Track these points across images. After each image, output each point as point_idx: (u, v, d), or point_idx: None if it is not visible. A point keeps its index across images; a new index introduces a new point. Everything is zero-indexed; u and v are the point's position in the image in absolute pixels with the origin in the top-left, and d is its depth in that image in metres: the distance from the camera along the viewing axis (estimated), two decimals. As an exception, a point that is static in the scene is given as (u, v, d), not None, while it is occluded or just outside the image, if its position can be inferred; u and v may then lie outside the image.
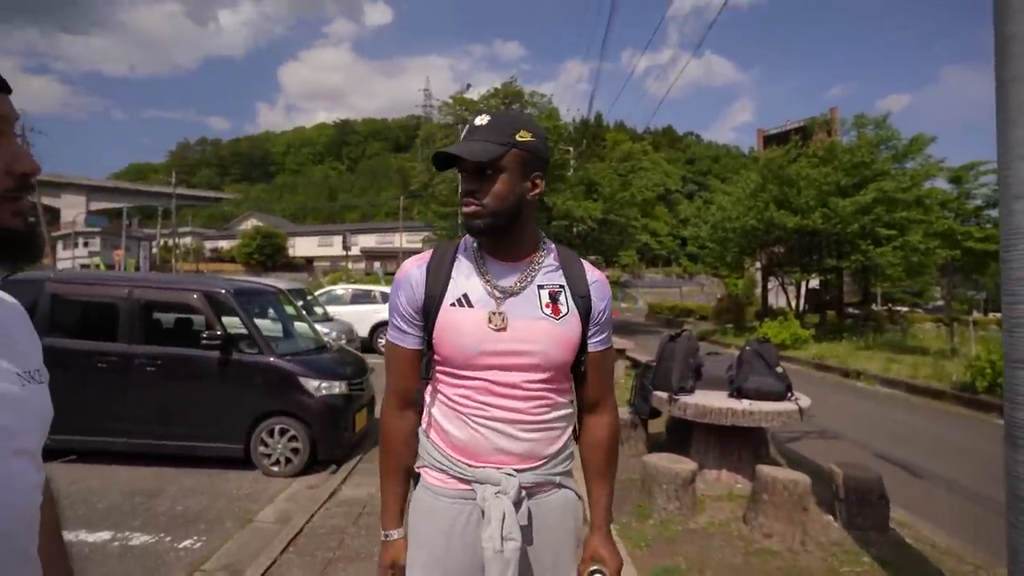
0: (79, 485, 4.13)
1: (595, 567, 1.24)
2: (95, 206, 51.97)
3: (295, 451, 4.54)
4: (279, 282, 9.99)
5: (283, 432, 4.54)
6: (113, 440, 4.46)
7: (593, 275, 1.27)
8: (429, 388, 1.26)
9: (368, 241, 56.04)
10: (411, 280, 1.22)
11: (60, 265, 41.58)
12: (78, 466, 4.46)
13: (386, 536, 1.29)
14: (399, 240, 48.37)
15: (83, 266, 39.09)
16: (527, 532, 1.16)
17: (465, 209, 1.16)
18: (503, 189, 1.13)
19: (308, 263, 55.13)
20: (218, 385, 4.55)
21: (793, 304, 19.76)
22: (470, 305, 1.18)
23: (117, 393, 4.50)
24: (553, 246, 1.29)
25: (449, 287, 1.20)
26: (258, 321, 4.97)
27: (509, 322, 1.16)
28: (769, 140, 24.88)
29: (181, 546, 3.37)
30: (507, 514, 1.12)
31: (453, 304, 1.18)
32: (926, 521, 3.85)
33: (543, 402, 1.20)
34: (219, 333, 4.49)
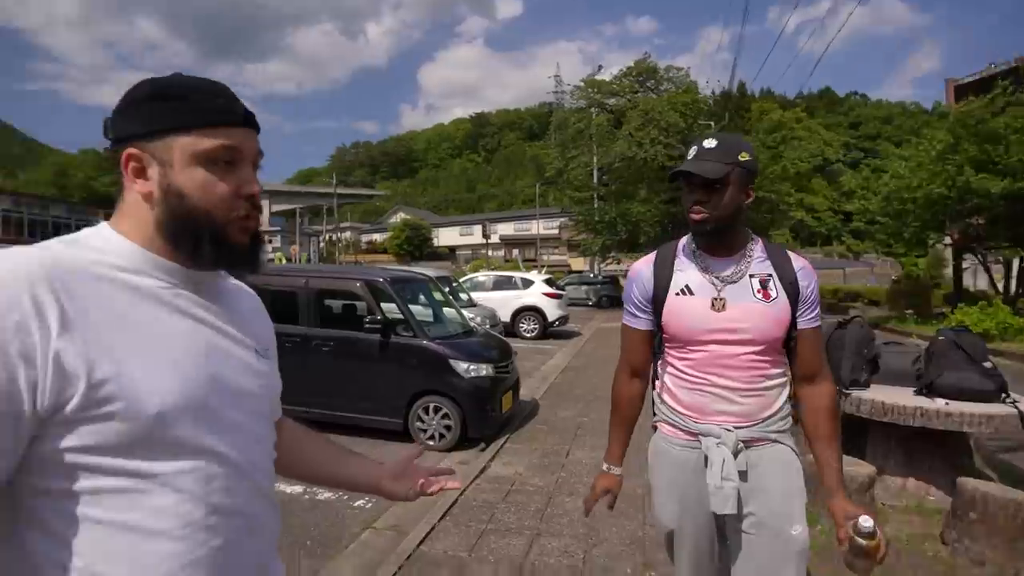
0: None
1: (858, 521, 1.27)
2: (275, 208, 60.10)
3: (447, 428, 4.84)
4: (427, 270, 10.68)
5: (437, 410, 4.86)
6: (295, 409, 5.10)
7: (799, 263, 1.50)
8: (660, 361, 1.58)
9: (506, 229, 57.86)
10: (642, 276, 1.56)
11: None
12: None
13: (608, 469, 1.67)
14: (536, 227, 49.27)
15: (268, 260, 45.51)
16: (744, 476, 1.42)
17: (695, 216, 1.43)
18: (728, 201, 1.40)
19: (451, 252, 58.49)
20: (379, 364, 4.99)
21: (1000, 287, 16.47)
22: (691, 293, 1.47)
23: (298, 369, 5.14)
24: (760, 240, 1.53)
25: (673, 279, 1.50)
26: (411, 307, 5.36)
27: (728, 305, 1.43)
28: (963, 90, 20.96)
29: (356, 505, 3.76)
30: (726, 460, 1.39)
31: (678, 294, 1.48)
32: None
33: (756, 371, 1.44)
34: (379, 318, 4.92)
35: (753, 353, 1.42)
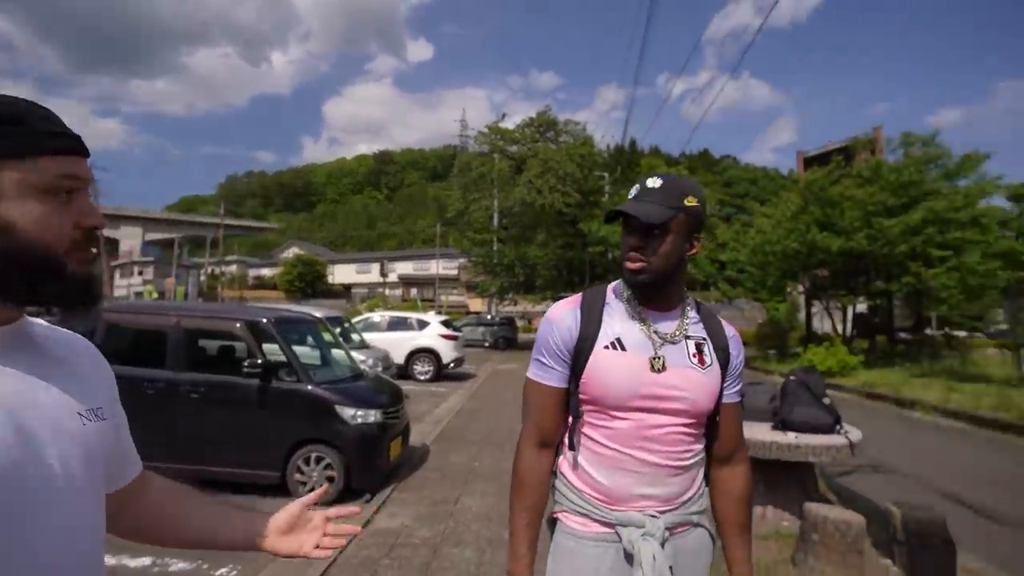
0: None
1: None
2: (150, 236, 54.82)
3: (330, 479, 4.57)
4: (318, 309, 10.23)
5: (319, 460, 4.58)
6: (157, 465, 4.57)
7: (730, 330, 1.36)
8: (571, 430, 1.29)
9: (405, 268, 57.06)
10: (564, 321, 1.29)
11: (117, 294, 43.75)
12: (124, 490, 4.59)
13: None
14: (436, 267, 49.09)
15: (137, 294, 41.07)
16: (671, 573, 1.19)
17: (630, 264, 1.24)
18: (668, 249, 1.22)
19: (346, 290, 56.43)
20: (257, 412, 4.64)
21: (840, 329, 18.96)
22: (623, 348, 1.23)
23: (163, 419, 4.64)
24: (692, 300, 1.35)
25: (602, 330, 1.26)
26: (296, 349, 5.08)
27: (668, 366, 1.23)
28: (810, 161, 24.33)
29: (217, 574, 3.40)
30: (656, 556, 1.16)
31: (607, 347, 1.24)
32: (998, 569, 3.55)
33: (682, 446, 1.25)
34: (260, 361, 4.60)
35: (683, 425, 1.23)
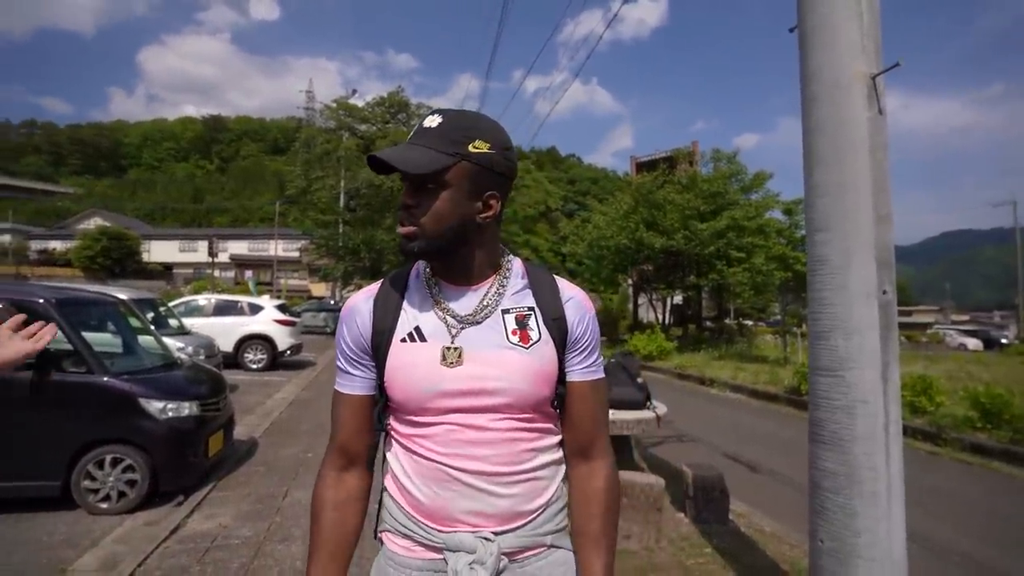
0: None
1: None
2: None
3: (131, 483, 4.01)
4: (125, 291, 8.85)
5: (116, 462, 3.98)
6: None
7: (568, 291, 1.08)
8: (384, 441, 1.09)
9: (239, 248, 51.79)
10: (357, 315, 1.05)
11: None
12: None
13: None
14: (274, 248, 45.23)
15: None
16: None
17: (399, 228, 1.00)
18: (444, 209, 0.95)
19: (167, 270, 49.56)
20: (32, 412, 3.88)
21: (660, 318, 21.49)
22: (423, 339, 1.00)
23: None
24: (518, 263, 1.10)
25: (400, 320, 1.03)
26: (91, 336, 4.35)
27: (467, 355, 0.98)
28: (641, 166, 26.98)
29: None
30: None
31: (404, 340, 1.01)
32: (760, 511, 4.33)
33: (521, 447, 1.00)
34: (35, 350, 3.85)
35: (513, 420, 0.99)
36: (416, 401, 0.99)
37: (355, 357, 1.05)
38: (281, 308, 12.64)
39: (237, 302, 12.48)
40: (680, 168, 21.49)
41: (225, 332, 11.16)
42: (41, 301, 4.09)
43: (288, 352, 12.11)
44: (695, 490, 3.96)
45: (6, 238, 49.79)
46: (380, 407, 1.06)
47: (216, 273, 39.76)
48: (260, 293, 24.30)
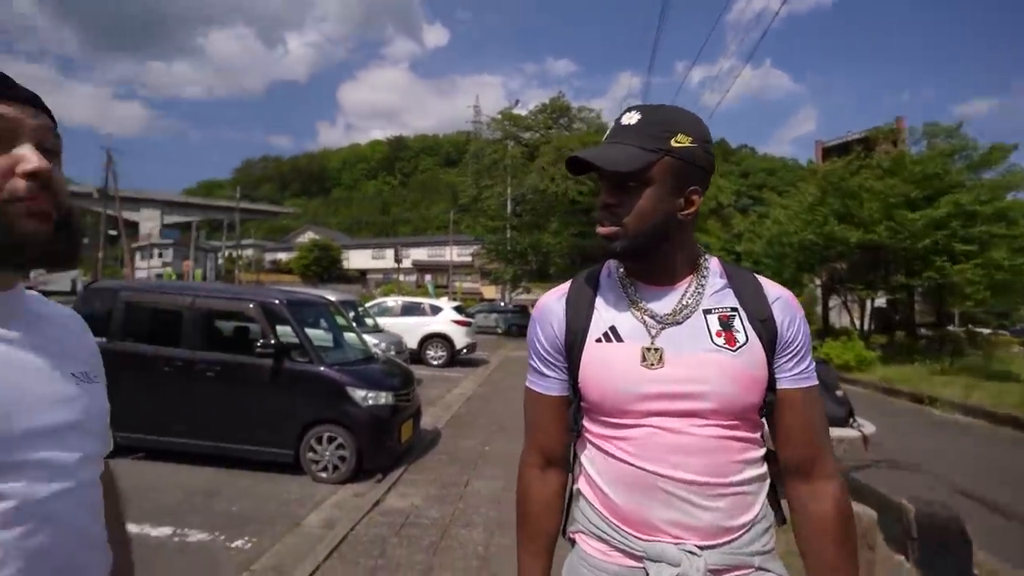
0: (145, 482, 4.35)
1: None
2: (169, 220, 55.51)
3: (342, 459, 4.63)
4: (332, 293, 10.31)
5: (331, 440, 4.64)
6: (176, 440, 4.70)
7: (774, 291, 1.02)
8: (579, 441, 1.06)
9: (419, 254, 57.24)
10: (550, 315, 1.05)
11: (138, 275, 44.53)
12: (145, 463, 4.72)
13: None
14: (449, 253, 49.18)
15: (157, 276, 41.73)
16: None
17: (600, 229, 0.98)
18: (648, 207, 0.93)
19: (361, 275, 56.79)
20: (271, 392, 4.71)
21: (857, 323, 18.68)
22: (619, 339, 0.97)
23: (181, 397, 4.74)
24: (716, 261, 1.06)
25: (593, 320, 1.01)
26: (309, 331, 5.13)
27: (668, 357, 0.94)
28: (829, 152, 23.87)
29: (233, 545, 3.47)
30: None
31: (599, 340, 0.99)
32: (1017, 568, 3.50)
33: (727, 458, 0.94)
34: (272, 342, 4.66)
35: (716, 428, 0.93)
36: (613, 402, 0.96)
37: (549, 357, 1.05)
38: (458, 309, 13.67)
39: (420, 304, 13.78)
40: (880, 149, 18.49)
41: (410, 331, 12.38)
42: (277, 302, 4.94)
43: (464, 350, 13.02)
44: (920, 530, 3.33)
45: (249, 252, 61.33)
46: (574, 408, 1.04)
47: (401, 278, 44.51)
48: (438, 296, 26.56)
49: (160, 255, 51.83)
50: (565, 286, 1.09)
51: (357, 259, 61.00)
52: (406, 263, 49.03)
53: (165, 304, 5.16)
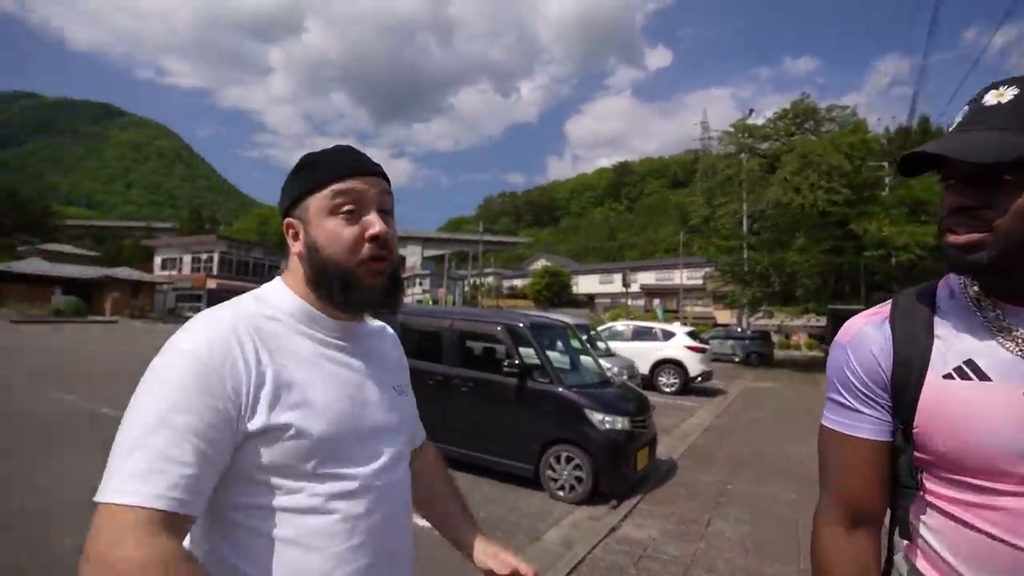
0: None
1: None
2: (427, 253, 65.50)
3: (578, 479, 4.73)
4: (565, 317, 10.77)
5: (568, 460, 4.78)
6: (437, 444, 5.37)
7: None
8: (914, 504, 0.86)
9: (647, 278, 56.48)
10: (867, 341, 0.88)
11: (405, 301, 53.22)
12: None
13: None
14: (679, 277, 47.41)
15: (417, 301, 49.35)
16: None
17: (954, 238, 0.78)
18: None
19: (590, 299, 58.36)
20: (514, 409, 5.08)
21: None
22: (983, 377, 0.78)
23: (440, 407, 5.43)
24: None
25: (936, 350, 0.82)
26: (549, 353, 5.41)
27: None
28: None
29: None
30: None
31: (949, 376, 0.80)
32: None
33: None
34: (517, 362, 5.04)
35: None
36: (979, 460, 0.76)
37: (867, 393, 0.87)
38: (691, 335, 13.00)
39: (651, 328, 13.49)
40: None
41: (641, 355, 12.19)
42: (521, 325, 5.34)
43: (699, 378, 12.29)
44: None
45: (490, 279, 68.37)
46: (908, 458, 0.84)
47: (628, 302, 44.40)
48: (667, 320, 25.70)
49: (420, 283, 61.07)
50: (884, 308, 0.92)
51: (585, 284, 62.95)
52: (634, 287, 48.81)
53: (430, 326, 6.01)
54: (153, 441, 0.69)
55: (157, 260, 47.19)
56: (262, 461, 0.77)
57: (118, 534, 0.64)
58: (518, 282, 69.22)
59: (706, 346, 13.08)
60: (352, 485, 0.82)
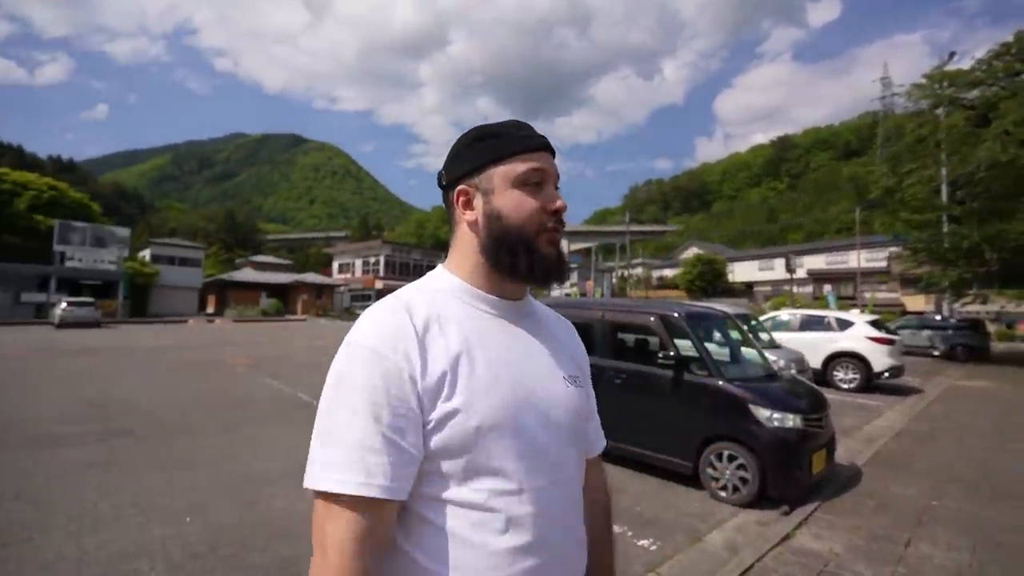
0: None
1: None
2: (574, 247, 65.65)
3: (743, 480, 4.38)
4: (722, 306, 10.05)
5: (731, 458, 4.45)
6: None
7: None
8: None
9: (815, 262, 50.56)
10: None
11: (554, 293, 54.08)
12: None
13: None
14: (855, 259, 41.66)
15: (565, 294, 49.76)
16: None
17: None
18: None
19: (747, 288, 53.95)
20: (671, 402, 4.85)
21: None
22: None
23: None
24: None
25: None
26: (706, 344, 5.08)
27: None
28: None
29: (639, 543, 3.69)
30: None
31: None
32: None
33: None
34: (672, 354, 4.81)
35: None
36: None
37: None
38: (875, 324, 11.34)
39: (823, 317, 12.02)
40: None
41: (811, 347, 10.94)
42: (676, 315, 5.10)
43: (886, 374, 10.67)
44: None
45: (638, 270, 66.55)
46: None
47: (794, 289, 40.12)
48: (841, 308, 22.76)
49: (569, 276, 61.59)
50: None
51: (742, 271, 58.26)
52: (799, 273, 43.96)
53: (580, 318, 5.99)
54: (350, 434, 0.74)
55: (335, 265, 54.05)
56: (432, 447, 0.78)
57: (344, 523, 0.72)
58: (668, 272, 66.33)
59: (896, 337, 11.30)
60: (513, 484, 0.79)
